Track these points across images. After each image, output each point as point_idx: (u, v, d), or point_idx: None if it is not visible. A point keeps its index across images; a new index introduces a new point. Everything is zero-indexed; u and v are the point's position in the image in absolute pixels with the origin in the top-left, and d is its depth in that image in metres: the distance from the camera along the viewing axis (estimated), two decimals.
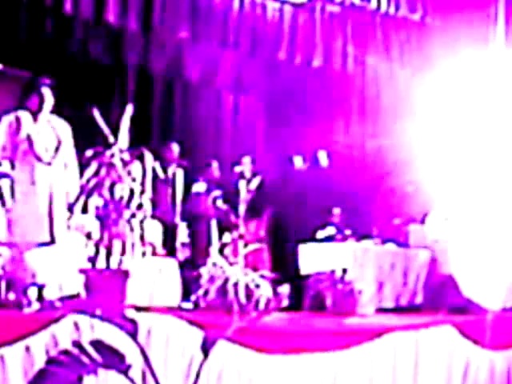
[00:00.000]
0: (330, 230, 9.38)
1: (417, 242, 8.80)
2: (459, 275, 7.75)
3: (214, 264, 6.70)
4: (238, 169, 9.32)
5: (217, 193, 9.08)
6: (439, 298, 7.95)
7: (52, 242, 6.11)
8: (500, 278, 7.72)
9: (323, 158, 10.43)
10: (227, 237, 8.83)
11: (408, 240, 8.88)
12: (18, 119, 6.16)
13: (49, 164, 6.16)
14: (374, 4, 9.62)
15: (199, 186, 9.09)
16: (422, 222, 9.09)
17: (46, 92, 6.24)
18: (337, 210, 9.70)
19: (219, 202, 9.03)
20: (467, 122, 8.71)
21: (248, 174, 9.27)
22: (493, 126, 8.30)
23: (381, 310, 7.87)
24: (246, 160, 9.45)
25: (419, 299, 8.44)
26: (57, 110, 6.36)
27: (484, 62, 8.45)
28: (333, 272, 7.68)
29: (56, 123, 6.29)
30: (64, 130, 6.30)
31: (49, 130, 6.23)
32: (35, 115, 6.22)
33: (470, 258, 7.82)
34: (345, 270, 7.71)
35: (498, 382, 6.56)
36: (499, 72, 8.28)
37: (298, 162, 10.42)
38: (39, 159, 6.13)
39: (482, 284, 7.69)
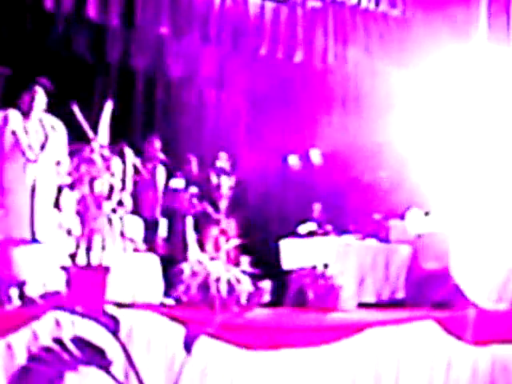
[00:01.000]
0: (311, 226, 9.40)
1: (398, 237, 8.83)
2: (455, 270, 7.75)
3: (196, 260, 6.70)
4: (219, 164, 9.32)
5: (194, 189, 9.07)
6: (421, 294, 7.97)
7: (33, 238, 6.08)
8: (493, 274, 7.74)
9: (315, 156, 10.45)
10: (209, 232, 8.83)
11: (389, 235, 8.91)
12: (5, 118, 6.16)
13: (34, 161, 6.14)
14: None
15: (177, 182, 9.08)
16: (403, 217, 9.12)
17: (39, 91, 6.25)
18: (317, 206, 9.72)
19: (199, 198, 9.02)
20: (449, 116, 8.73)
21: (229, 170, 9.26)
22: (475, 120, 8.33)
23: (362, 305, 7.89)
24: (227, 156, 9.45)
25: (401, 294, 8.46)
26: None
27: (466, 57, 8.47)
28: (314, 267, 7.70)
29: (48, 122, 6.28)
30: (57, 128, 6.29)
31: (39, 128, 6.23)
32: (26, 114, 6.22)
33: (465, 253, 7.82)
34: (326, 266, 7.73)
35: (481, 377, 6.57)
36: (481, 66, 8.31)
37: (293, 160, 10.45)
38: (25, 156, 6.11)
39: (476, 280, 7.70)
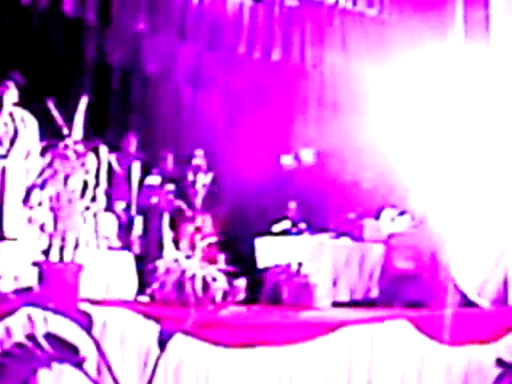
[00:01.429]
0: (286, 224, 9.41)
1: (371, 237, 8.87)
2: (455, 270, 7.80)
3: (171, 257, 6.68)
4: (195, 161, 9.30)
5: (170, 186, 9.05)
6: (394, 293, 8.01)
7: (1, 235, 6.04)
8: (479, 268, 7.79)
9: (308, 156, 10.46)
10: (184, 230, 8.82)
11: (363, 234, 8.95)
12: None
13: (4, 157, 6.09)
14: None
15: (153, 179, 9.05)
16: (377, 216, 9.17)
17: (11, 86, 6.20)
18: (292, 204, 9.73)
19: (175, 195, 9.00)
20: (426, 116, 8.78)
21: (205, 168, 9.25)
22: (451, 120, 8.38)
23: (336, 304, 7.91)
24: (203, 153, 9.44)
25: (374, 293, 8.51)
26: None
27: (442, 57, 8.52)
28: (289, 265, 7.71)
29: (19, 116, 6.23)
30: (28, 122, 6.24)
31: (9, 122, 6.17)
32: None
33: (456, 244, 7.87)
34: (300, 264, 7.74)
35: (455, 377, 6.60)
36: (458, 66, 8.36)
37: (286, 160, 10.46)
38: None
39: (464, 271, 7.74)
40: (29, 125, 6.24)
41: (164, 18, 9.18)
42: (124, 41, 9.81)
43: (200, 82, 10.62)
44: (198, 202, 8.46)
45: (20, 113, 6.25)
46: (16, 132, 6.15)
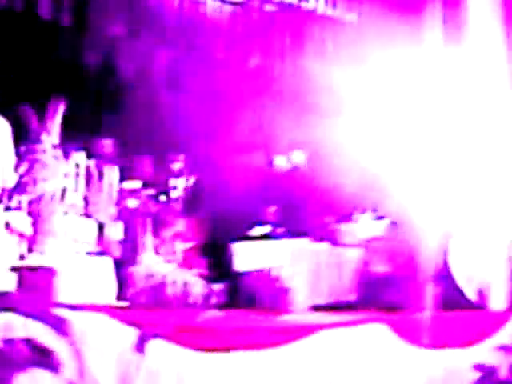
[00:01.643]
0: (265, 228, 9.42)
1: (349, 241, 8.91)
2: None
3: (150, 262, 6.68)
4: (173, 166, 9.28)
5: (151, 190, 9.03)
6: (372, 296, 8.05)
7: None
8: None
9: (300, 158, 10.46)
10: (163, 234, 8.78)
11: (340, 238, 8.99)
12: None
13: None
14: (311, 4, 9.71)
15: (133, 183, 9.03)
16: (354, 220, 9.21)
17: None
18: (272, 208, 9.74)
19: (154, 200, 8.98)
20: (405, 121, 8.83)
21: (184, 172, 9.24)
22: (429, 125, 8.44)
23: (314, 308, 7.94)
24: (182, 158, 9.42)
25: (352, 297, 8.54)
26: None
27: (421, 61, 8.58)
28: (267, 270, 7.72)
29: None
30: (1, 126, 6.17)
31: None
32: None
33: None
34: (279, 268, 7.76)
35: (434, 382, 6.64)
36: (435, 70, 8.43)
37: (281, 161, 10.45)
38: None
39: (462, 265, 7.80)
40: (1, 127, 6.18)
41: (142, 21, 9.16)
42: (100, 44, 9.77)
43: (178, 85, 10.61)
44: (178, 206, 8.44)
45: None
46: None
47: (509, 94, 8.05)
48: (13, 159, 6.12)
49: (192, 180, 9.02)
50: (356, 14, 9.75)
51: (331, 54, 9.92)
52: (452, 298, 7.64)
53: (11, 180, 6.01)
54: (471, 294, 7.71)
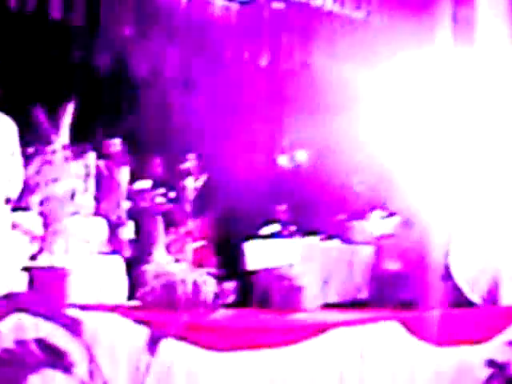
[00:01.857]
0: (275, 227, 9.43)
1: (361, 238, 8.90)
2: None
3: (161, 261, 6.69)
4: (184, 166, 9.30)
5: (163, 190, 9.06)
6: (384, 294, 8.04)
7: None
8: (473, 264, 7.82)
9: (302, 157, 10.47)
10: (174, 234, 8.81)
11: (352, 236, 8.98)
12: None
13: None
14: (319, 1, 9.70)
15: (144, 183, 9.05)
16: (366, 218, 9.19)
17: None
18: (282, 207, 9.74)
19: (165, 199, 9.00)
20: (415, 118, 8.81)
21: (195, 171, 9.26)
22: (440, 122, 8.42)
23: (326, 306, 7.93)
24: (193, 157, 9.44)
25: (364, 295, 8.53)
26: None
27: (430, 60, 8.55)
28: (279, 268, 7.72)
29: None
30: (7, 126, 6.16)
31: None
32: None
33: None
34: (290, 266, 7.75)
35: (445, 378, 6.61)
36: (446, 70, 8.40)
37: (283, 160, 10.46)
38: None
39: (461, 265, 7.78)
40: (8, 127, 6.15)
41: (152, 21, 9.18)
42: (112, 45, 9.80)
43: (188, 85, 10.63)
44: (188, 205, 8.46)
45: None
46: None
47: None
48: (20, 163, 6.11)
49: (203, 179, 9.03)
50: (364, 12, 9.73)
51: (340, 51, 9.90)
52: (463, 294, 7.62)
53: (16, 189, 5.97)
54: (474, 296, 7.69)
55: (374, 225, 9.09)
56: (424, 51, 8.56)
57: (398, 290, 7.87)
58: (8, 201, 6.00)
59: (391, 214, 8.99)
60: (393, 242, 8.60)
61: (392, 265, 8.31)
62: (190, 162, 9.33)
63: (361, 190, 9.81)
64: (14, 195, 5.98)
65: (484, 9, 8.16)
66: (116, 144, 8.89)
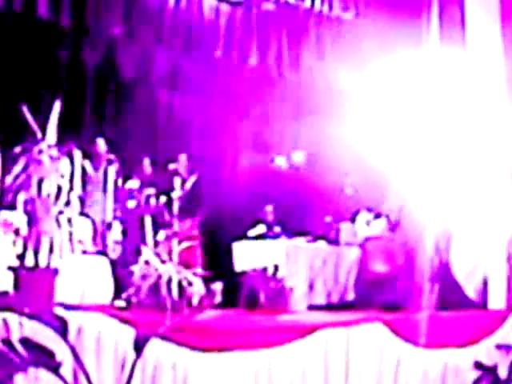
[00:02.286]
0: (263, 228, 9.41)
1: (347, 240, 8.90)
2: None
3: (147, 262, 6.66)
4: (172, 166, 9.28)
5: (150, 190, 9.02)
6: (370, 296, 8.04)
7: None
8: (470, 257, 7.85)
9: (299, 158, 10.46)
10: (161, 234, 8.77)
11: (338, 237, 8.98)
12: None
13: None
14: (307, 3, 9.71)
15: (132, 183, 9.03)
16: (353, 220, 9.20)
17: None
18: (269, 208, 9.73)
19: (152, 200, 8.97)
20: (403, 121, 8.83)
21: (183, 172, 9.23)
22: (427, 125, 8.44)
23: (312, 307, 7.93)
24: (181, 158, 9.41)
25: (350, 296, 8.53)
26: None
27: (418, 61, 8.57)
28: (265, 269, 7.72)
29: None
30: None
31: None
32: None
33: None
34: (277, 267, 7.75)
35: (433, 381, 6.61)
36: (433, 71, 8.42)
37: (280, 161, 10.45)
38: None
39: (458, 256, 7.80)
40: None
41: (140, 22, 9.15)
42: (99, 45, 9.77)
43: (176, 85, 10.60)
44: (176, 206, 8.42)
45: None
46: None
47: (506, 92, 8.04)
48: None
49: (191, 180, 9.00)
50: (353, 14, 9.74)
51: (328, 52, 9.91)
52: (450, 297, 7.63)
53: None
54: (471, 292, 7.70)
55: (361, 227, 9.09)
56: (412, 52, 8.58)
57: (384, 292, 7.87)
58: None
59: (378, 216, 8.99)
60: (379, 244, 8.60)
61: (378, 267, 8.31)
62: (178, 163, 9.31)
63: (348, 191, 9.83)
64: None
65: (473, 8, 8.18)
66: (103, 144, 8.86)
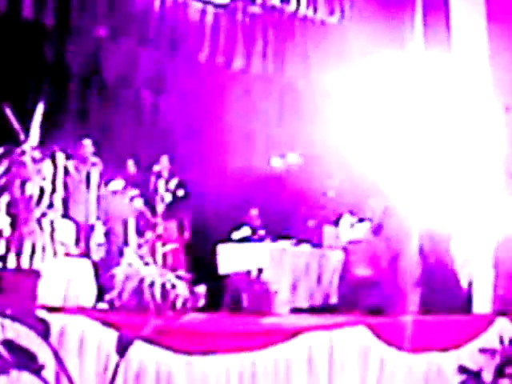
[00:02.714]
0: (247, 231, 9.41)
1: (330, 243, 8.91)
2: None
3: (130, 264, 6.63)
4: (156, 168, 9.26)
5: (134, 192, 9.00)
6: (353, 299, 8.05)
7: None
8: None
9: (294, 158, 10.46)
10: (144, 236, 8.77)
11: (322, 241, 8.99)
12: None
13: None
14: (293, 6, 9.73)
15: (115, 185, 8.99)
16: (336, 223, 9.21)
17: None
18: (254, 211, 9.74)
19: (136, 201, 8.94)
20: (387, 123, 8.86)
21: (166, 174, 9.21)
22: (412, 126, 8.47)
23: (296, 310, 7.92)
24: (165, 159, 9.40)
25: (333, 300, 8.54)
26: None
27: (402, 64, 8.60)
28: (249, 272, 7.72)
29: None
30: None
31: None
32: None
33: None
34: (261, 270, 7.75)
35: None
36: (417, 73, 8.45)
37: (276, 162, 10.45)
38: None
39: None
40: None
41: (125, 23, 9.13)
42: (84, 46, 9.73)
43: (161, 87, 10.58)
44: (160, 208, 8.42)
45: None
46: None
47: (492, 93, 8.08)
48: None
49: (175, 182, 8.99)
50: (337, 17, 9.77)
51: (313, 55, 9.93)
52: (434, 300, 7.64)
53: None
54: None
55: (344, 230, 9.11)
56: (397, 54, 8.61)
57: (367, 296, 7.88)
58: None
59: (361, 220, 9.01)
60: (363, 248, 8.61)
61: (362, 270, 8.32)
62: (163, 164, 9.29)
63: (332, 195, 9.84)
64: None
65: (458, 9, 8.21)
66: (87, 145, 8.83)
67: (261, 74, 10.13)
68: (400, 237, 8.04)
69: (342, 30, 9.90)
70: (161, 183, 8.76)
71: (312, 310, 8.10)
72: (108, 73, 10.12)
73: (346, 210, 9.31)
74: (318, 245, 8.97)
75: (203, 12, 9.59)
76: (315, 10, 9.74)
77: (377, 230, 8.73)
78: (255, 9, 9.75)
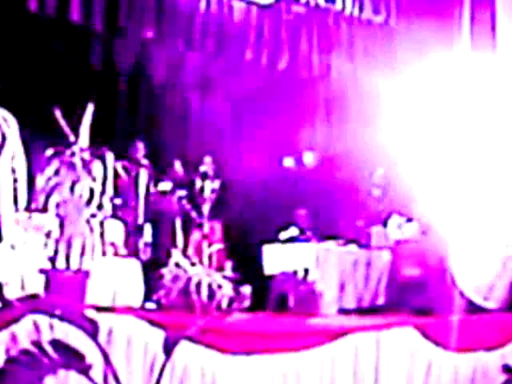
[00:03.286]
0: (293, 231, 9.41)
1: (378, 243, 8.86)
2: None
3: (177, 264, 6.68)
4: (202, 168, 9.31)
5: (182, 192, 9.06)
6: (401, 300, 8.00)
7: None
8: (484, 271, 7.77)
9: (309, 158, 10.45)
10: (191, 236, 8.82)
11: (370, 241, 8.94)
12: None
13: None
14: (338, 5, 9.69)
15: (164, 185, 9.07)
16: (384, 224, 9.15)
17: None
18: (301, 211, 9.72)
19: (184, 202, 9.01)
20: (433, 123, 8.78)
21: (213, 174, 9.26)
22: (458, 127, 8.38)
23: (343, 311, 7.89)
24: (210, 160, 9.44)
25: (381, 300, 8.49)
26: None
27: (449, 64, 8.52)
28: (295, 272, 7.70)
29: (1, 116, 6.07)
30: (9, 122, 6.07)
31: None
32: None
33: (461, 247, 7.85)
34: (307, 271, 7.73)
35: None
36: (464, 74, 8.36)
37: (289, 162, 10.46)
38: None
39: (469, 273, 7.73)
40: (11, 125, 6.09)
41: (171, 25, 9.20)
42: (131, 48, 9.83)
43: (207, 88, 10.64)
44: (206, 208, 8.46)
45: (2, 113, 6.05)
46: (4, 137, 5.98)
47: None
48: (23, 159, 5.99)
49: (220, 182, 9.03)
50: (383, 16, 9.70)
51: (359, 55, 9.88)
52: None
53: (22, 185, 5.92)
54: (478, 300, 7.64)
55: (392, 230, 9.04)
56: (443, 55, 8.53)
57: (415, 297, 7.82)
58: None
59: (410, 220, 8.95)
60: (411, 248, 8.55)
61: (410, 271, 8.25)
62: (208, 165, 9.33)
63: (380, 195, 9.78)
64: (22, 199, 5.95)
65: (503, 13, 8.11)
66: (135, 147, 8.92)
67: (306, 73, 10.11)
68: (447, 236, 7.97)
69: (387, 30, 9.83)
70: (207, 183, 8.80)
71: (359, 311, 8.06)
72: (155, 74, 10.21)
73: (395, 210, 9.25)
74: (365, 245, 8.92)
75: (248, 12, 9.61)
76: (361, 9, 9.70)
77: (425, 230, 8.66)
78: (300, 8, 9.74)
